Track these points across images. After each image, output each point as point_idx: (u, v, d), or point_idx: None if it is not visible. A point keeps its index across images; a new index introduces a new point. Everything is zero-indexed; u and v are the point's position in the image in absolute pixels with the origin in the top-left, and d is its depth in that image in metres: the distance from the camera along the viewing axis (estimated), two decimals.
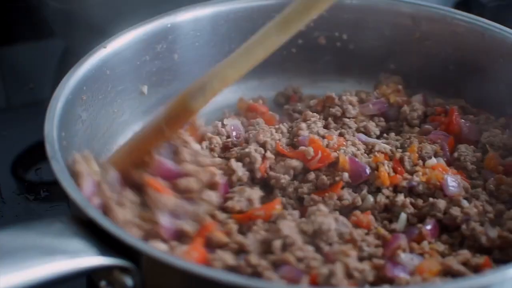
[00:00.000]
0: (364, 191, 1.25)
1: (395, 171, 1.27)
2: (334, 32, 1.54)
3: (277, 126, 1.38)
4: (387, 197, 1.24)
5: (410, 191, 1.25)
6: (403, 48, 1.52)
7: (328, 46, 1.55)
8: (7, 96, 1.77)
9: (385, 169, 1.26)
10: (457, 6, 1.67)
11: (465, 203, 1.21)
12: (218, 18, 1.49)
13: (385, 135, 1.41)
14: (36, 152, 1.55)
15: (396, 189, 1.25)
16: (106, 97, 1.35)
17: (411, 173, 1.27)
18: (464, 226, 1.18)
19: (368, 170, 1.26)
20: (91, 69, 1.31)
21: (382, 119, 1.45)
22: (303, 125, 1.36)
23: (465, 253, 1.14)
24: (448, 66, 1.48)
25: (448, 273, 1.10)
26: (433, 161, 1.29)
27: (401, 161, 1.29)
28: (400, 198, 1.23)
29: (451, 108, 1.41)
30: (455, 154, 1.33)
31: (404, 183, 1.25)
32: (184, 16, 1.45)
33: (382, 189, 1.25)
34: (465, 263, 1.12)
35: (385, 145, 1.33)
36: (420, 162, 1.29)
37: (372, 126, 1.41)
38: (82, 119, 1.28)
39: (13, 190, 1.49)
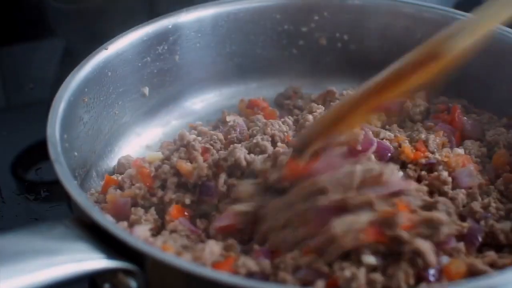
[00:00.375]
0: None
1: (417, 150, 1.28)
2: (335, 32, 1.54)
3: (282, 120, 1.38)
4: (415, 170, 1.25)
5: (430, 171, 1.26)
6: (404, 48, 1.51)
7: (329, 46, 1.55)
8: (7, 96, 1.77)
9: (407, 145, 1.28)
10: (458, 6, 1.66)
11: (479, 198, 1.22)
12: (219, 19, 1.49)
13: (387, 126, 1.41)
14: (36, 152, 1.56)
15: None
16: (108, 99, 1.35)
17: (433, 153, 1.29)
18: (482, 223, 1.18)
19: (392, 148, 1.27)
20: (92, 71, 1.31)
21: (383, 114, 1.45)
22: (310, 116, 1.36)
23: (491, 254, 1.13)
24: None
25: (474, 273, 1.09)
26: (460, 150, 1.30)
27: (425, 142, 1.30)
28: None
29: (454, 106, 1.42)
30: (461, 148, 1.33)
31: (424, 161, 1.25)
32: (185, 17, 1.45)
33: (407, 165, 1.26)
34: (492, 265, 1.11)
35: (389, 133, 1.34)
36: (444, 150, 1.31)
37: (373, 118, 1.41)
38: (84, 121, 1.28)
39: (13, 190, 1.49)
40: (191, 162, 1.26)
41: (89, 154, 1.30)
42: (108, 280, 1.01)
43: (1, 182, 1.49)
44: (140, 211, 1.21)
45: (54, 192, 1.46)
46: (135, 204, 1.23)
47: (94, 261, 0.98)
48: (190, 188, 1.25)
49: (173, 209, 1.21)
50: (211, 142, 1.31)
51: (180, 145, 1.29)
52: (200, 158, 1.25)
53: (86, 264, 0.98)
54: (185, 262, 0.99)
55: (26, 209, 1.44)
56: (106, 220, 1.02)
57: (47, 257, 0.97)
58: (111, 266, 0.99)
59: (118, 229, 1.01)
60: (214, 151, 1.28)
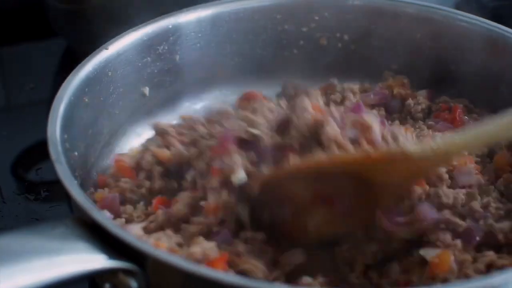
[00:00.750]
0: None
1: None
2: (336, 33, 1.54)
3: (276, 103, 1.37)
4: None
5: None
6: (404, 48, 1.52)
7: (329, 47, 1.55)
8: (7, 96, 1.77)
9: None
10: (458, 6, 1.67)
11: (478, 198, 1.21)
12: (219, 19, 1.48)
13: (389, 122, 1.41)
14: (36, 152, 1.56)
15: None
16: (108, 99, 1.35)
17: None
18: (482, 222, 1.17)
19: None
20: (93, 71, 1.30)
21: (382, 109, 1.46)
22: (305, 99, 1.36)
23: (490, 254, 1.13)
24: (449, 66, 1.48)
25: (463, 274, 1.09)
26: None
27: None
28: None
29: (455, 105, 1.42)
30: None
31: None
32: (185, 17, 1.45)
33: None
34: (490, 265, 1.11)
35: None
36: None
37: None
38: (84, 121, 1.28)
39: (13, 190, 1.49)
40: (168, 148, 1.27)
41: (90, 154, 1.30)
42: (108, 280, 1.01)
43: (1, 182, 1.49)
44: (130, 208, 1.22)
45: (55, 192, 1.46)
46: (124, 202, 1.24)
47: (95, 261, 0.98)
48: (174, 174, 1.26)
49: (156, 201, 1.22)
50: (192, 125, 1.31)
51: (156, 134, 1.31)
52: (176, 142, 1.27)
53: (86, 264, 0.98)
54: (186, 262, 0.99)
55: (26, 209, 1.44)
56: (107, 220, 1.02)
57: (48, 257, 0.97)
58: (111, 266, 0.99)
59: (119, 229, 1.01)
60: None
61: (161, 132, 1.30)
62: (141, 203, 1.24)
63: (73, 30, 1.72)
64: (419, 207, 1.15)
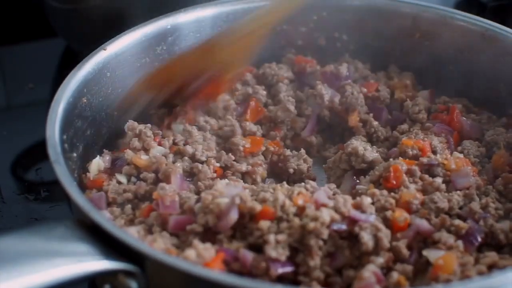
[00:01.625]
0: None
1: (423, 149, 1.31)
2: (334, 32, 1.54)
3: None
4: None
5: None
6: (403, 48, 1.52)
7: (328, 47, 1.55)
8: (7, 96, 1.78)
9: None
10: (458, 6, 1.66)
11: (476, 199, 1.22)
12: (218, 20, 1.48)
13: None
14: (36, 152, 1.56)
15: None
16: (107, 99, 1.35)
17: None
18: (481, 222, 1.18)
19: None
20: (91, 72, 1.31)
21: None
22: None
23: (492, 255, 1.13)
24: (448, 66, 1.48)
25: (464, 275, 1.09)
26: (460, 155, 1.30)
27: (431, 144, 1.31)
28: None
29: (452, 106, 1.42)
30: (459, 148, 1.34)
31: (426, 160, 1.26)
32: (184, 18, 1.45)
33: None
34: (492, 265, 1.11)
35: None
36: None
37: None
38: (83, 121, 1.28)
39: (13, 190, 1.49)
40: (145, 150, 1.30)
41: (88, 155, 1.30)
42: (108, 281, 1.01)
43: (1, 182, 1.49)
44: (116, 210, 1.22)
45: (54, 192, 1.47)
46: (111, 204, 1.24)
47: (95, 262, 0.99)
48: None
49: (146, 208, 1.22)
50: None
51: (132, 136, 1.32)
52: (154, 143, 1.30)
53: (86, 265, 0.98)
54: (185, 262, 0.99)
55: (26, 209, 1.44)
56: (107, 221, 1.02)
57: (47, 258, 0.97)
58: (111, 267, 0.99)
59: (118, 230, 1.01)
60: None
61: (139, 134, 1.31)
62: (128, 206, 1.23)
63: (73, 30, 1.72)
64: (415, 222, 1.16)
